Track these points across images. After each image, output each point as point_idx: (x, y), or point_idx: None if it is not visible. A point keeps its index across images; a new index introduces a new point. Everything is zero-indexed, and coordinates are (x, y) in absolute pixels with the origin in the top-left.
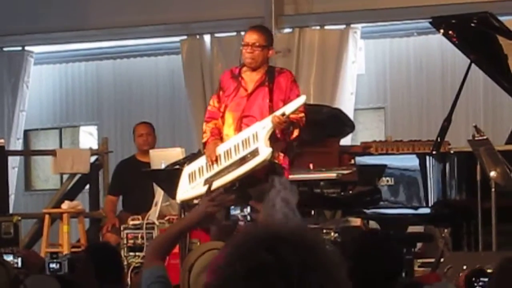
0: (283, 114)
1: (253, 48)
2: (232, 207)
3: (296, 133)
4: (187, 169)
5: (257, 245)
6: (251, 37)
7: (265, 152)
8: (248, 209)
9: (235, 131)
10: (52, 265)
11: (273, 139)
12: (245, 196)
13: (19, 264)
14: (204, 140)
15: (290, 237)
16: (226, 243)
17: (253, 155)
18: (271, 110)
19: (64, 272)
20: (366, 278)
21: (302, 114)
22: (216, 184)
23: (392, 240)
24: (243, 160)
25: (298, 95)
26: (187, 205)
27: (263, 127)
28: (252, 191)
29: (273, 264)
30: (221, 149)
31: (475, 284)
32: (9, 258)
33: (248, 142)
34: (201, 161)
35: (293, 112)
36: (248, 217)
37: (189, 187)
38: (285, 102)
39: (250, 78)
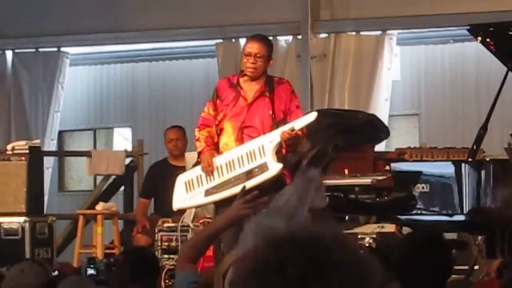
0: (292, 130)
1: (256, 58)
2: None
3: (299, 146)
4: (182, 177)
5: (265, 244)
6: (253, 47)
7: (275, 168)
8: None
9: (236, 141)
10: (90, 271)
11: (279, 153)
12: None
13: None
14: (199, 150)
15: (300, 237)
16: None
17: (262, 170)
18: (273, 120)
19: (100, 278)
20: (415, 280)
21: (305, 129)
22: (220, 196)
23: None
24: (250, 174)
25: (297, 106)
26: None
27: (270, 141)
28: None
29: (271, 260)
30: (222, 159)
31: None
32: None
33: (254, 155)
34: (199, 169)
35: (301, 129)
36: None
37: (187, 196)
38: (285, 112)
39: (250, 88)
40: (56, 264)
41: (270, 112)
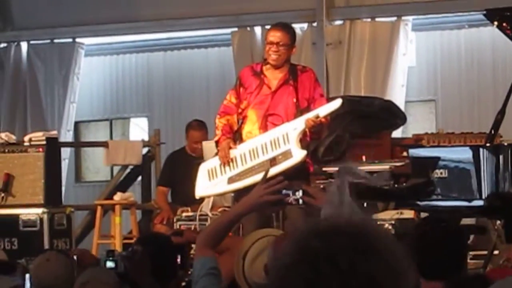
0: (317, 117)
1: (278, 46)
2: (284, 190)
3: (323, 133)
4: (205, 165)
5: (308, 233)
6: (276, 36)
7: (299, 154)
8: (300, 193)
9: (259, 129)
10: (109, 263)
11: (303, 140)
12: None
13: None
14: (216, 139)
15: (342, 225)
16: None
17: (285, 157)
18: (297, 108)
19: (120, 270)
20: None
21: (328, 116)
22: (243, 183)
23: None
24: (273, 161)
25: (321, 94)
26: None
27: (294, 128)
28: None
29: (322, 250)
30: (245, 147)
31: None
32: None
33: (278, 142)
34: None
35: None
36: (300, 201)
37: (210, 184)
38: (309, 100)
39: (273, 76)
40: (74, 250)
41: (294, 100)
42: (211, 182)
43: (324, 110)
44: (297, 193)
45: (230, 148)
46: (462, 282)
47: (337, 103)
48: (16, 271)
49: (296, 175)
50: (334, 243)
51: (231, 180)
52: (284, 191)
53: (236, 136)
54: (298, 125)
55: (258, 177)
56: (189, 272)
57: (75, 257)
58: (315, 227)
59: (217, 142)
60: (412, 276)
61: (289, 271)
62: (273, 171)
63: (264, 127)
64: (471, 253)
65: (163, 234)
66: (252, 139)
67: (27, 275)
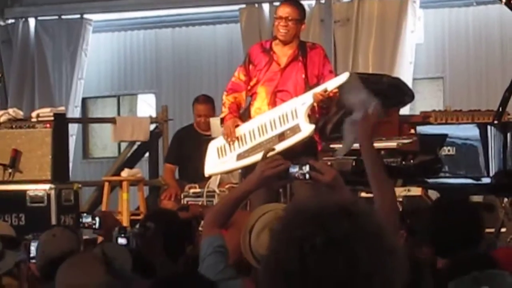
0: (325, 91)
1: (287, 21)
2: (291, 165)
3: (332, 108)
4: (214, 143)
5: (338, 216)
6: (285, 11)
7: (307, 128)
8: (307, 167)
9: (268, 105)
10: (121, 240)
11: (311, 115)
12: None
13: (97, 225)
14: (222, 116)
15: (336, 208)
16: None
17: (294, 131)
18: (306, 84)
19: (132, 247)
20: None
21: (336, 90)
22: (252, 159)
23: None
24: (282, 136)
25: (330, 70)
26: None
27: (302, 103)
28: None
29: (354, 234)
30: (254, 123)
31: None
32: (87, 219)
33: (287, 118)
34: None
35: (334, 89)
36: (307, 175)
37: (219, 162)
38: (319, 77)
39: (282, 53)
40: (97, 211)
41: (303, 76)
42: (220, 159)
43: (332, 84)
44: (304, 168)
45: (236, 126)
46: (465, 260)
47: (344, 77)
48: (20, 246)
49: (304, 150)
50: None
51: (240, 156)
52: (291, 166)
53: (245, 114)
54: (307, 99)
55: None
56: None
57: (97, 219)
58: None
59: (222, 120)
60: (403, 257)
61: (317, 252)
62: (282, 146)
63: (273, 103)
64: None
65: (171, 210)
66: (260, 115)
67: (32, 249)
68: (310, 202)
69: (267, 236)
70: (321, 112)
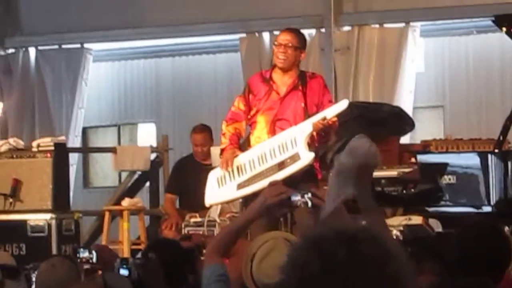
0: (324, 119)
1: (286, 48)
2: (293, 193)
3: (332, 137)
4: (214, 173)
5: (336, 243)
6: (285, 38)
7: (307, 156)
8: (309, 195)
9: (268, 134)
10: (123, 271)
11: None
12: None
13: (94, 259)
14: (222, 147)
15: (363, 234)
16: (300, 237)
17: (294, 160)
18: (306, 113)
19: (134, 277)
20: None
21: (336, 118)
22: (253, 188)
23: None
24: (282, 165)
25: (330, 100)
26: (249, 200)
27: (301, 131)
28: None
29: (352, 261)
30: (254, 152)
31: None
32: (85, 254)
33: (286, 146)
34: None
35: (333, 117)
36: (309, 203)
37: (219, 191)
38: (318, 106)
39: (282, 82)
40: (94, 245)
41: (303, 105)
42: (221, 189)
43: (331, 111)
44: (305, 196)
45: (235, 156)
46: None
47: (343, 104)
48: (20, 276)
49: (305, 178)
50: (361, 254)
51: (240, 186)
52: (292, 194)
53: (245, 143)
54: (306, 128)
55: (267, 181)
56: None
57: (94, 253)
58: (336, 235)
59: (222, 150)
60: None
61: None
62: (282, 174)
63: (272, 132)
64: None
65: (173, 240)
66: (260, 144)
67: (33, 279)
68: (313, 229)
69: (269, 265)
70: (320, 140)
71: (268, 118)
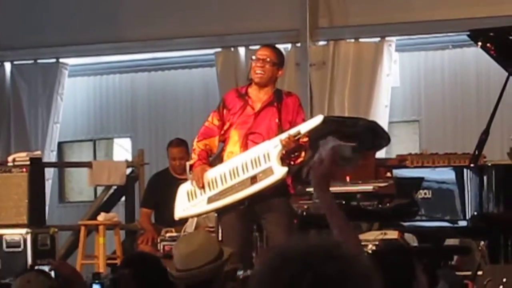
0: (298, 133)
1: (264, 63)
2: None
3: (302, 157)
4: (184, 187)
5: (293, 260)
6: (263, 53)
7: (280, 171)
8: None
9: (240, 148)
10: (95, 286)
11: (284, 158)
12: (253, 212)
13: (53, 275)
14: (191, 162)
15: (325, 251)
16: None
17: (266, 174)
18: (280, 128)
19: None
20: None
21: (306, 139)
22: (223, 202)
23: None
24: (254, 179)
25: (303, 120)
26: (221, 214)
27: (274, 146)
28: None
29: (310, 278)
30: (225, 167)
31: None
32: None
33: (259, 161)
34: None
35: (306, 133)
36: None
37: (189, 205)
38: (292, 124)
39: (258, 98)
40: (52, 261)
41: (277, 120)
42: (191, 203)
43: (306, 126)
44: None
45: (204, 172)
46: None
47: (318, 119)
48: None
49: (276, 193)
50: (320, 270)
51: (210, 200)
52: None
53: (216, 159)
54: (279, 143)
55: (238, 195)
56: None
57: (52, 271)
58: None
59: (191, 166)
60: None
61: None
62: (254, 189)
63: (244, 146)
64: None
65: (151, 254)
66: (232, 159)
67: None
68: (295, 244)
69: None
70: (292, 160)
71: (241, 133)
